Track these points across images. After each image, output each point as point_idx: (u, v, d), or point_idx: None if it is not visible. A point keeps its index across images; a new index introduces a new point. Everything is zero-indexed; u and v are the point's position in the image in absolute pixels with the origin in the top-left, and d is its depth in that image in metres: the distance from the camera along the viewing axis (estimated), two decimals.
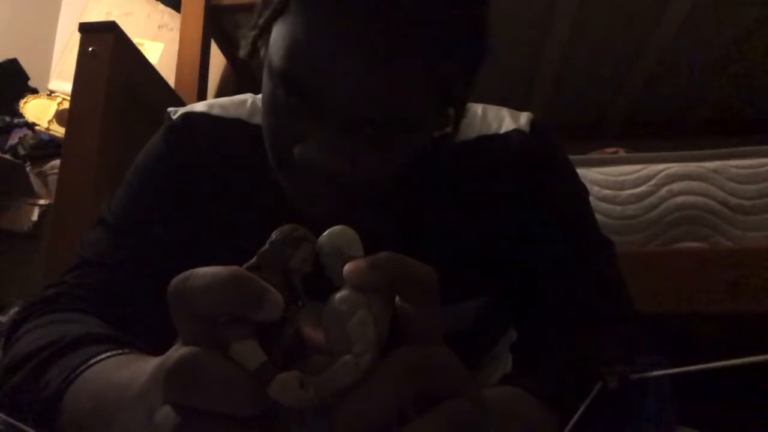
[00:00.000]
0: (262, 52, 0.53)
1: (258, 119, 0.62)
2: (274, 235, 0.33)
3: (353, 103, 0.46)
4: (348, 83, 0.45)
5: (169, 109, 0.65)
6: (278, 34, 0.48)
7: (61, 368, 0.44)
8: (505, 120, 0.63)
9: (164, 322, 0.63)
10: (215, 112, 0.64)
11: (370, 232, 0.59)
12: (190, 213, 0.62)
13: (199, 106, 0.65)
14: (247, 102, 0.65)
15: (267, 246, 0.32)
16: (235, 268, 0.30)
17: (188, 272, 0.31)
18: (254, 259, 0.32)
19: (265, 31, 0.51)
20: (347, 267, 0.32)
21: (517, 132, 0.62)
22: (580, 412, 0.37)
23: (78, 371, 0.43)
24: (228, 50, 2.07)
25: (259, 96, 0.64)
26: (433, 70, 0.47)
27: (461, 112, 0.55)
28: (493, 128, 0.63)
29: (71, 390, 0.43)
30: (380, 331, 0.31)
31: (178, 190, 0.62)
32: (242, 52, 0.53)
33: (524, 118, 0.64)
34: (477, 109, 0.65)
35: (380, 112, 0.47)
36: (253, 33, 0.52)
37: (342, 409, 0.30)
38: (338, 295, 0.31)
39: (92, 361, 0.44)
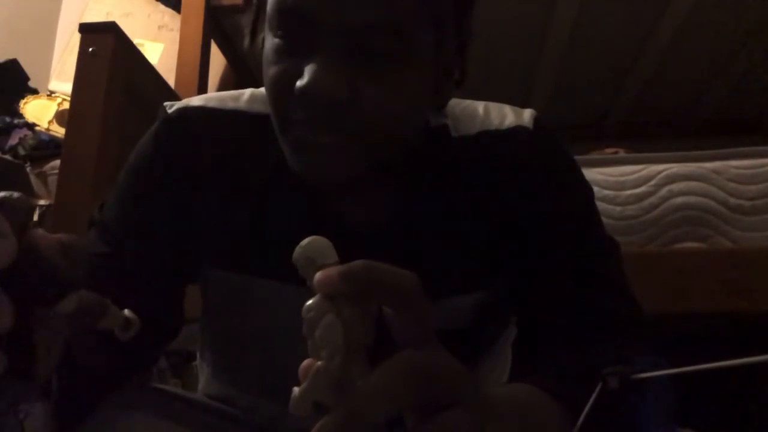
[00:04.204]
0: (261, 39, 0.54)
1: (257, 107, 0.62)
2: None
3: (340, 11, 0.47)
4: None
5: (166, 103, 0.65)
6: None
7: None
8: (508, 116, 0.63)
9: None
10: (212, 104, 0.63)
11: (370, 224, 0.60)
12: (187, 207, 0.62)
13: (195, 101, 0.64)
14: (244, 94, 0.65)
15: None
16: None
17: None
18: None
19: None
20: (317, 276, 0.32)
21: (520, 128, 0.61)
22: (584, 413, 0.37)
23: None
24: (228, 50, 2.07)
25: (259, 89, 0.64)
26: None
27: (464, 63, 0.55)
28: (495, 124, 0.62)
29: None
30: (355, 335, 0.31)
31: (174, 185, 0.61)
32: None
33: (527, 114, 0.63)
34: (479, 106, 0.65)
35: (368, 17, 0.47)
36: None
37: (332, 416, 0.29)
38: (306, 304, 0.32)
39: None
